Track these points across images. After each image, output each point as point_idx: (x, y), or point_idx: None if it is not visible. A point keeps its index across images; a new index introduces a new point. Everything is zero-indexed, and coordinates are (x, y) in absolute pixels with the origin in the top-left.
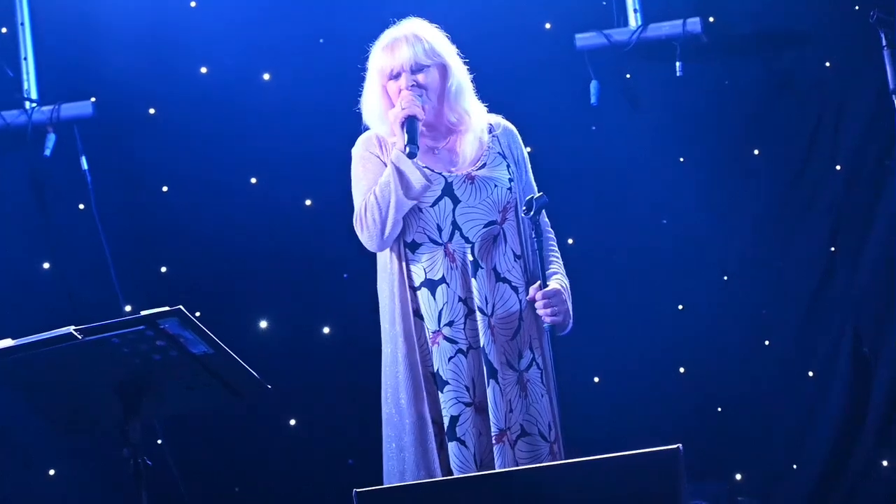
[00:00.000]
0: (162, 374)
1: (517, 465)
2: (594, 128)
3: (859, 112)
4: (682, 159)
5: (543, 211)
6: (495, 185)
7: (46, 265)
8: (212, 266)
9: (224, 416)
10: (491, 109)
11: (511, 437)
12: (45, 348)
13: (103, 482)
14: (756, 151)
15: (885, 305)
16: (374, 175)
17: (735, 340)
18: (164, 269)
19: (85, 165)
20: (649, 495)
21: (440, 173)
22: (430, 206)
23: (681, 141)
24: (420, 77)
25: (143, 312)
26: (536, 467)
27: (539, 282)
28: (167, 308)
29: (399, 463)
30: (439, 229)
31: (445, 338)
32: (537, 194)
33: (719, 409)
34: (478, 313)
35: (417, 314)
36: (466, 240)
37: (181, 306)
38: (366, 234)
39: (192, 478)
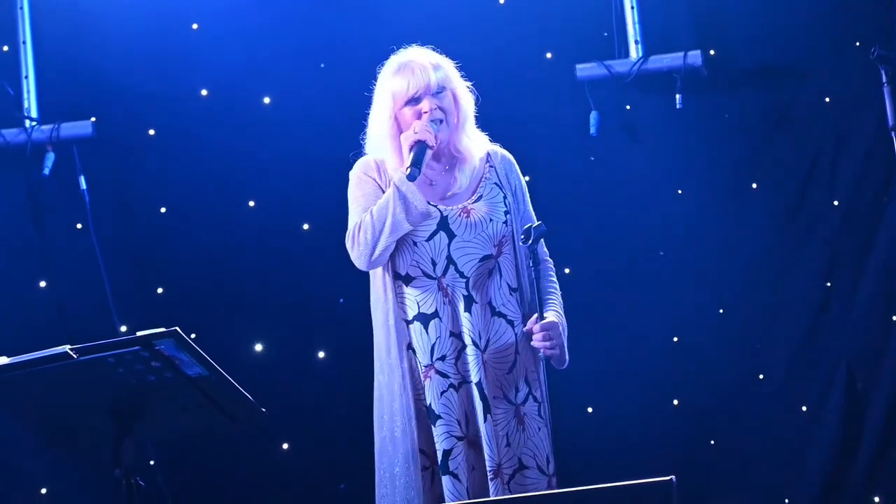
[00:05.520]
0: (156, 396)
1: None
2: (593, 158)
3: (858, 148)
4: (680, 191)
5: (542, 241)
6: (491, 220)
7: (42, 284)
8: (208, 288)
9: (217, 438)
10: (491, 138)
11: (507, 471)
12: (40, 367)
13: (95, 502)
14: (754, 185)
15: (880, 342)
16: (371, 197)
17: (729, 373)
18: (160, 291)
19: (83, 185)
20: None
21: (436, 206)
22: (426, 241)
23: (679, 173)
24: (441, 100)
25: (140, 333)
26: (529, 496)
27: (536, 314)
28: (163, 329)
29: (391, 493)
30: (433, 263)
31: (437, 372)
32: (536, 223)
33: (712, 442)
34: (470, 348)
35: (410, 347)
36: (461, 274)
37: (177, 328)
38: (356, 251)
39: (183, 500)
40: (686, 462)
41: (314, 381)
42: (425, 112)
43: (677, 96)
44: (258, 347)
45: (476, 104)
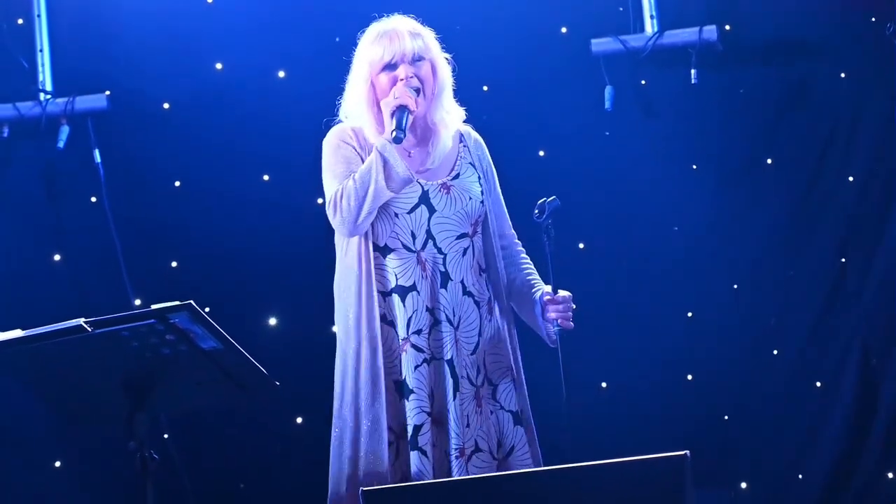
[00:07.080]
0: (171, 369)
1: None
2: (608, 133)
3: (873, 124)
4: (694, 167)
5: (510, 224)
6: (469, 198)
7: (57, 257)
8: (222, 262)
9: (231, 412)
10: (506, 112)
11: (468, 452)
12: (54, 339)
13: (109, 475)
14: (769, 161)
15: (894, 318)
16: (349, 163)
17: (743, 349)
18: (174, 264)
19: (98, 158)
20: (655, 501)
21: (417, 181)
22: (407, 213)
23: (694, 148)
24: (419, 69)
25: (154, 306)
26: (545, 470)
27: (550, 287)
28: (178, 302)
29: (350, 468)
30: (413, 236)
31: (413, 345)
32: (550, 198)
33: (726, 418)
34: (445, 324)
35: (384, 319)
36: (439, 250)
37: (192, 301)
38: (338, 218)
39: (197, 473)
40: (700, 437)
41: (328, 355)
42: (401, 79)
43: (692, 71)
44: (272, 321)
45: (491, 78)
